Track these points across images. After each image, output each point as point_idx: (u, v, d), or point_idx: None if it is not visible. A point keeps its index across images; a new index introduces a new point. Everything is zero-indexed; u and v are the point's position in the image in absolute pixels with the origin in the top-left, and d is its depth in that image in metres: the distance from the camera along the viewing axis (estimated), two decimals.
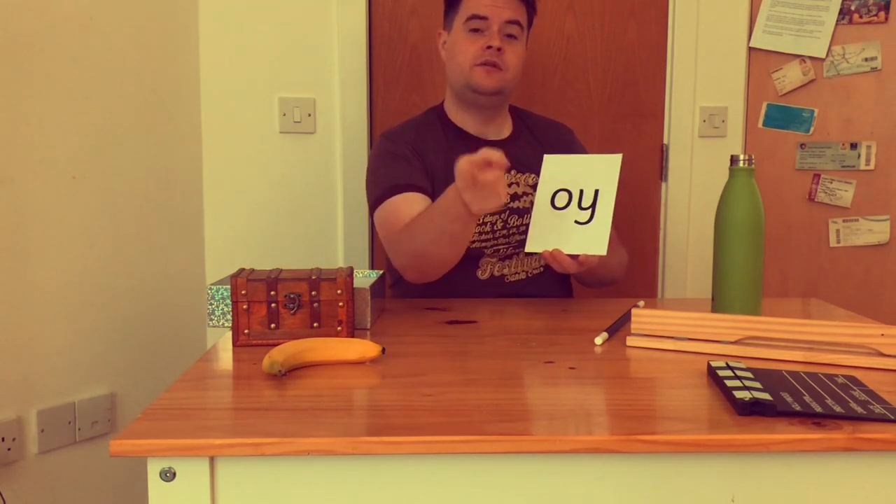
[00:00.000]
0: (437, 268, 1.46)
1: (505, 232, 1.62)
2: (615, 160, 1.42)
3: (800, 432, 0.81)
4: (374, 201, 1.58)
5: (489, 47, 1.56)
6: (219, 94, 2.07)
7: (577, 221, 1.41)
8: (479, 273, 1.62)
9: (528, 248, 1.41)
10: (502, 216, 1.62)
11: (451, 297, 1.58)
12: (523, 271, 1.64)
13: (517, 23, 1.60)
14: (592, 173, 1.43)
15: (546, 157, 1.46)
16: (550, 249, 1.39)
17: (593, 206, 1.41)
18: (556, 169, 1.45)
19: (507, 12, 1.58)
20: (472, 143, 1.63)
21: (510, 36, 1.60)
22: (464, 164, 1.24)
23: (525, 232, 1.59)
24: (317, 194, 2.12)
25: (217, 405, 0.92)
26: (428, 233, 1.41)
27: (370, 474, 0.82)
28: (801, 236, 2.21)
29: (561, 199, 1.43)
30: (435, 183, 1.60)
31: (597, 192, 1.41)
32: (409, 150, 1.62)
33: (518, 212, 1.63)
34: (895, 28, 2.14)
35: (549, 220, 1.41)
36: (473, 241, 1.58)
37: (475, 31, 1.59)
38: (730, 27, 2.14)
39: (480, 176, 1.23)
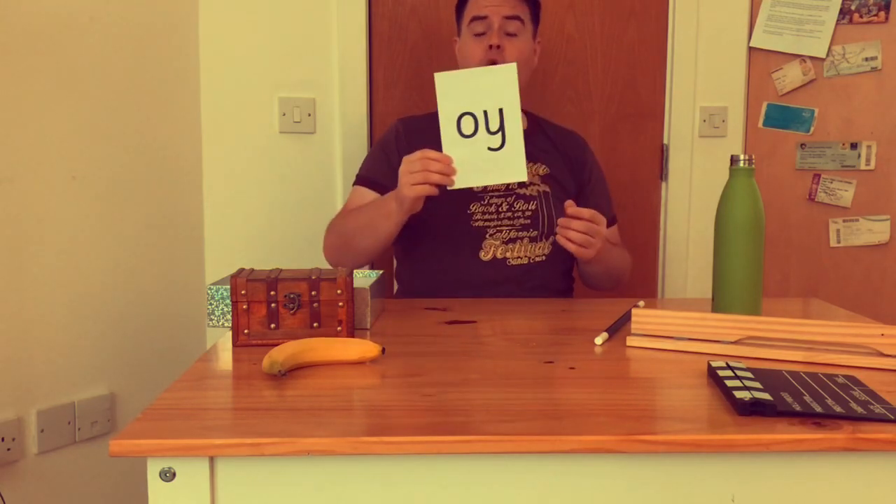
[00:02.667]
0: (354, 255, 1.59)
1: (510, 215, 1.66)
2: (510, 70, 1.40)
3: (800, 432, 0.81)
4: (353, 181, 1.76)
5: (490, 46, 1.62)
6: (219, 94, 2.07)
7: (490, 148, 1.40)
8: (481, 254, 1.64)
9: (457, 185, 1.41)
10: (508, 199, 1.66)
11: (454, 279, 1.63)
12: (526, 256, 1.65)
13: (517, 18, 1.65)
14: (491, 90, 1.40)
15: (437, 76, 1.42)
16: (476, 184, 1.45)
17: (502, 128, 1.39)
18: (452, 88, 1.41)
19: (505, 9, 1.63)
20: None
21: (511, 34, 1.64)
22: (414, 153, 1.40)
23: (530, 217, 1.63)
24: (317, 194, 2.12)
25: (217, 405, 0.92)
26: (358, 221, 1.58)
27: (370, 474, 0.82)
28: (801, 236, 2.21)
29: (467, 126, 1.41)
30: None
31: (501, 111, 1.39)
32: (405, 142, 1.70)
33: (525, 198, 1.67)
34: (895, 28, 2.14)
35: (461, 150, 1.40)
36: (476, 220, 1.65)
37: (480, 34, 1.65)
38: (730, 27, 2.14)
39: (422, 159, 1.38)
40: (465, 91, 1.40)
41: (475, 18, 1.64)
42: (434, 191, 1.41)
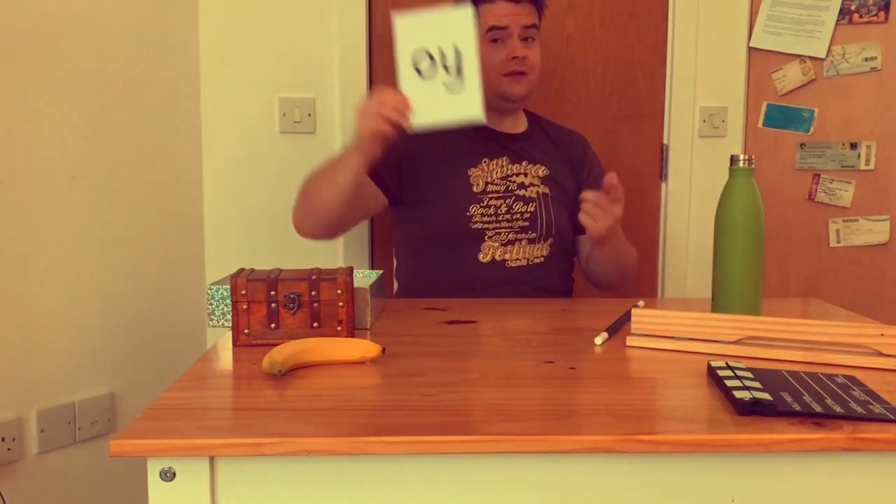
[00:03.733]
0: (316, 213, 1.55)
1: (508, 216, 1.66)
2: (466, 14, 1.41)
3: (800, 432, 0.81)
4: None
5: (514, 58, 1.64)
6: (219, 94, 2.07)
7: (446, 86, 1.40)
8: (480, 256, 1.65)
9: (415, 123, 1.40)
10: (507, 201, 1.66)
11: (453, 281, 1.63)
12: (525, 258, 1.66)
13: (533, 25, 1.68)
14: (447, 32, 1.40)
15: (395, 19, 1.43)
16: (433, 123, 1.41)
17: (458, 67, 1.40)
18: (410, 31, 1.41)
19: (524, 18, 1.66)
20: (488, 134, 1.72)
21: (528, 39, 1.67)
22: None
23: (529, 219, 1.63)
24: None
25: (217, 405, 0.92)
26: (319, 176, 1.54)
27: (370, 474, 0.82)
28: (801, 236, 2.21)
29: (424, 65, 1.41)
30: (437, 167, 1.68)
31: (457, 50, 1.40)
32: (406, 136, 1.66)
33: (524, 199, 1.68)
34: (895, 28, 2.14)
35: (418, 89, 1.40)
36: (475, 222, 1.65)
37: (495, 40, 1.66)
38: (730, 27, 2.14)
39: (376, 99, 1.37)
40: (422, 33, 1.40)
41: (494, 28, 1.64)
42: (389, 130, 1.39)
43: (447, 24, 1.40)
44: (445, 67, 1.40)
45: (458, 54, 1.40)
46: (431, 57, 1.40)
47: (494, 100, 1.68)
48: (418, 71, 1.40)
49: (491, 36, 1.65)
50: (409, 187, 1.69)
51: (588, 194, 1.44)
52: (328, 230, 1.61)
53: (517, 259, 1.65)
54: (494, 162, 1.70)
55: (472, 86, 1.40)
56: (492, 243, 1.65)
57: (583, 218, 1.44)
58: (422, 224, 1.70)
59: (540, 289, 1.66)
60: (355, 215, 1.66)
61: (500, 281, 1.64)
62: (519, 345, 1.17)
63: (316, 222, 1.58)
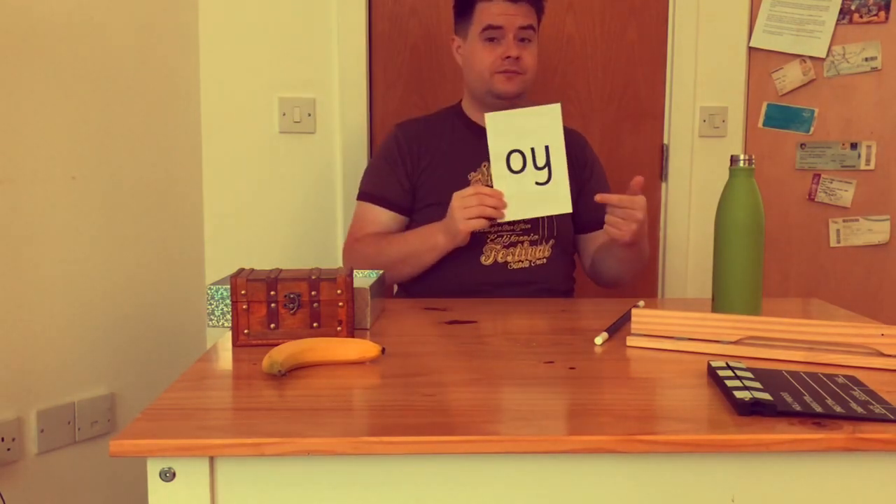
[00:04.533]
0: (390, 276, 1.62)
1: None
2: (555, 110, 1.52)
3: (800, 432, 0.81)
4: (357, 194, 1.76)
5: (507, 57, 1.64)
6: (219, 94, 2.07)
7: (537, 183, 1.52)
8: (482, 259, 1.65)
9: (507, 218, 1.52)
10: None
11: (455, 284, 1.63)
12: (527, 260, 1.66)
13: (530, 27, 1.67)
14: (537, 128, 1.52)
15: (488, 116, 1.54)
16: (525, 216, 1.55)
17: (548, 164, 1.51)
18: (501, 127, 1.52)
19: (520, 19, 1.65)
20: (484, 137, 1.69)
21: (524, 40, 1.65)
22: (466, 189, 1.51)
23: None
24: (317, 194, 2.12)
25: (217, 405, 0.92)
26: (400, 252, 1.61)
27: (370, 474, 0.82)
28: (801, 236, 2.21)
29: (516, 162, 1.52)
30: (438, 173, 1.69)
31: (547, 148, 1.51)
32: (406, 149, 1.72)
33: None
34: (895, 28, 2.14)
35: (511, 185, 1.52)
36: (493, 227, 1.67)
37: (491, 39, 1.66)
38: (730, 27, 2.14)
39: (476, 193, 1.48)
40: (513, 128, 1.52)
41: (489, 27, 1.64)
42: (487, 224, 1.51)
43: (536, 119, 1.52)
44: (535, 163, 1.51)
45: (546, 150, 1.51)
46: (522, 154, 1.52)
47: (487, 98, 1.69)
48: (510, 168, 1.52)
49: (486, 35, 1.65)
50: (415, 197, 1.70)
51: (607, 198, 1.44)
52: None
53: (519, 261, 1.65)
54: None
55: (561, 181, 1.52)
56: (494, 245, 1.65)
57: (608, 230, 1.47)
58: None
59: (542, 290, 1.66)
60: None
61: (502, 283, 1.63)
62: (519, 345, 1.17)
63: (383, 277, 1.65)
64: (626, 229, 1.45)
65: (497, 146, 1.52)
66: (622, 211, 1.44)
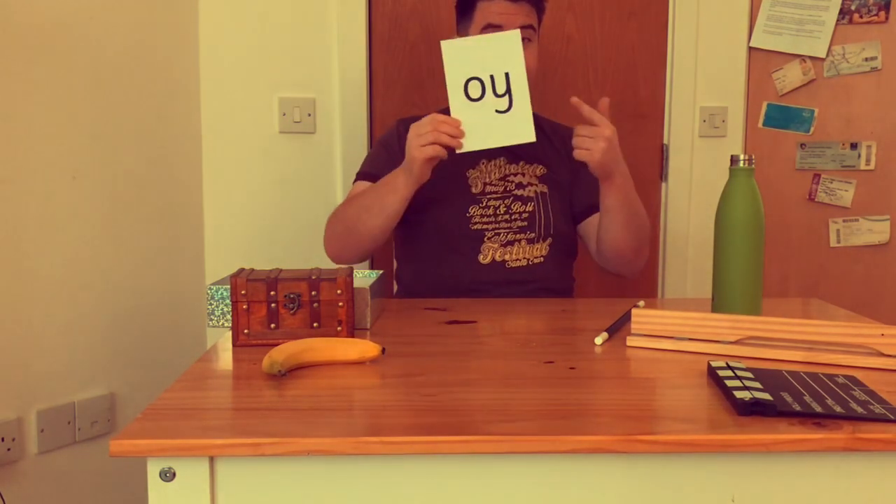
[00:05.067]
0: (359, 240, 1.56)
1: (507, 217, 1.66)
2: (514, 36, 1.44)
3: (800, 432, 0.80)
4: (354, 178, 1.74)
5: None
6: (219, 94, 2.07)
7: (497, 111, 1.43)
8: (480, 258, 1.65)
9: (466, 148, 1.43)
10: (506, 201, 1.66)
11: (453, 282, 1.62)
12: (525, 258, 1.66)
13: (530, 26, 1.66)
14: (497, 55, 1.43)
15: (443, 44, 1.45)
16: (485, 146, 1.44)
17: (508, 91, 1.43)
18: (458, 56, 1.44)
19: (521, 18, 1.64)
20: None
21: (524, 39, 1.64)
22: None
23: (528, 219, 1.63)
24: (317, 194, 2.12)
25: (217, 405, 0.92)
26: (363, 202, 1.55)
27: (370, 474, 0.82)
28: (801, 236, 2.21)
29: (474, 90, 1.43)
30: (435, 169, 1.64)
31: (507, 75, 1.42)
32: (405, 142, 1.67)
33: (522, 199, 1.68)
34: (895, 28, 2.14)
35: (469, 114, 1.43)
36: (475, 223, 1.65)
37: None
38: (730, 27, 2.14)
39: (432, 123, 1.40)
40: (470, 58, 1.43)
41: (490, 26, 1.64)
42: (443, 153, 1.42)
43: (494, 47, 1.43)
44: (495, 91, 1.43)
45: (507, 78, 1.43)
46: (481, 81, 1.43)
47: None
48: (468, 96, 1.43)
49: (486, 33, 1.65)
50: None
51: (579, 104, 1.42)
52: (367, 255, 1.64)
53: (517, 259, 1.65)
54: (492, 163, 1.70)
55: (522, 109, 1.43)
56: (491, 244, 1.65)
57: (576, 153, 1.43)
58: (421, 227, 1.70)
59: (541, 288, 1.66)
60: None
61: (500, 281, 1.64)
62: (519, 345, 1.17)
63: (358, 250, 1.59)
64: (595, 147, 1.41)
65: (454, 74, 1.43)
66: (590, 129, 1.41)
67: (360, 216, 1.56)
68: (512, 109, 1.43)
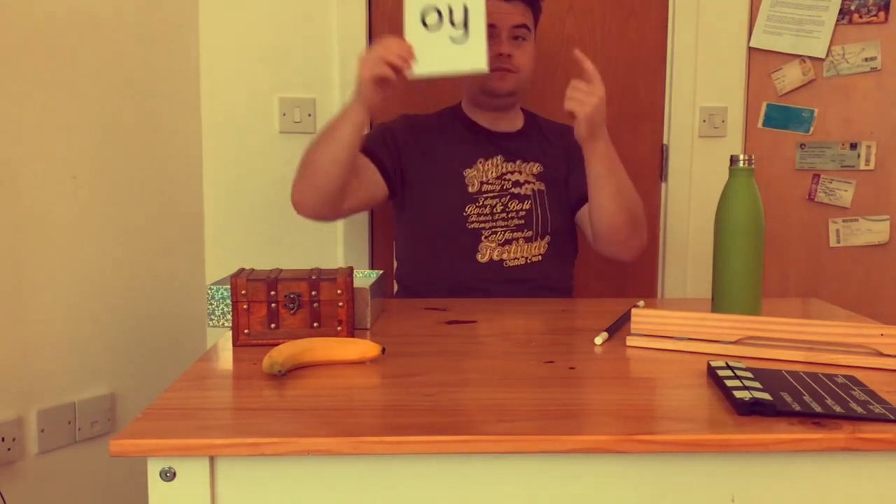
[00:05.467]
0: (316, 177, 1.49)
1: (504, 215, 1.66)
2: None
3: (800, 432, 0.81)
4: None
5: (500, 55, 1.63)
6: (219, 94, 2.07)
7: (451, 39, 1.42)
8: (478, 257, 1.65)
9: (415, 71, 1.40)
10: (502, 200, 1.66)
11: (452, 282, 1.63)
12: (522, 257, 1.66)
13: (524, 25, 1.65)
14: None
15: None
16: (434, 71, 1.41)
17: (465, 22, 1.41)
18: None
19: (514, 17, 1.64)
20: (483, 134, 1.74)
21: (518, 38, 1.64)
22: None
23: (524, 217, 1.63)
24: None
25: (217, 405, 0.92)
26: (318, 136, 1.49)
27: (370, 474, 0.82)
28: (801, 236, 2.21)
29: (431, 18, 1.42)
30: (432, 164, 1.68)
31: (465, 8, 1.41)
32: (405, 132, 1.71)
33: (519, 197, 1.68)
34: (895, 28, 2.14)
35: (422, 40, 1.41)
36: (472, 222, 1.65)
37: None
38: (730, 27, 2.14)
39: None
40: None
41: None
42: (391, 74, 1.38)
43: None
44: (452, 22, 1.41)
45: (465, 10, 1.40)
46: (439, 12, 1.41)
47: (481, 97, 1.70)
48: (424, 24, 1.41)
49: None
50: (407, 185, 1.69)
51: (581, 57, 1.43)
52: (328, 202, 1.53)
53: (515, 258, 1.65)
54: (489, 161, 1.70)
55: (477, 38, 1.41)
56: (489, 243, 1.65)
57: (568, 104, 1.42)
58: (419, 226, 1.70)
59: (539, 287, 1.66)
60: (356, 194, 1.59)
61: (499, 280, 1.64)
62: (519, 345, 1.17)
63: (316, 193, 1.51)
64: (587, 101, 1.41)
65: (412, 2, 1.41)
66: (586, 85, 1.42)
67: (314, 151, 1.50)
68: (467, 39, 1.41)
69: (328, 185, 1.49)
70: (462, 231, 1.64)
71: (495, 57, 1.62)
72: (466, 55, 1.41)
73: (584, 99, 1.41)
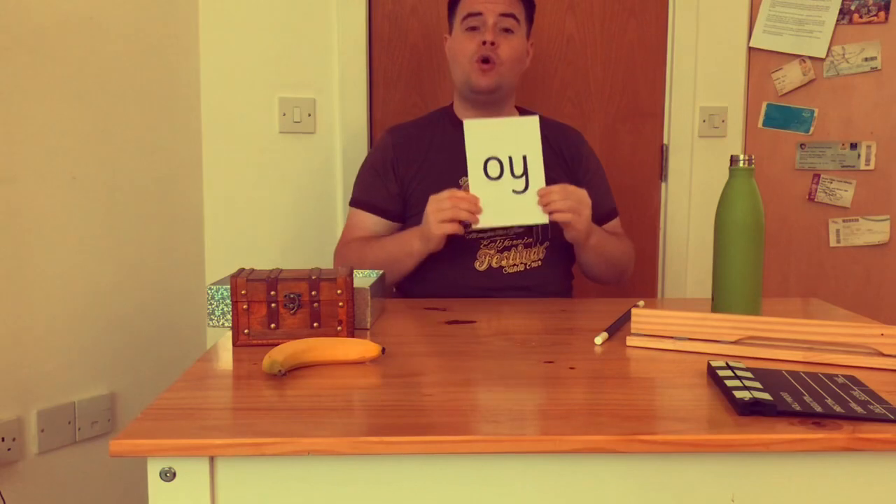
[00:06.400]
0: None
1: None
2: (532, 122, 1.52)
3: (800, 432, 0.81)
4: (350, 200, 1.78)
5: (484, 42, 1.62)
6: (219, 94, 2.07)
7: (514, 191, 1.50)
8: (477, 265, 1.64)
9: (482, 224, 1.49)
10: None
11: (451, 289, 1.62)
12: (522, 263, 1.65)
13: (511, 15, 1.65)
14: (515, 138, 1.51)
15: (466, 123, 1.52)
16: (500, 224, 1.53)
17: (525, 173, 1.50)
18: (479, 135, 1.51)
19: (501, 6, 1.63)
20: None
21: (506, 30, 1.63)
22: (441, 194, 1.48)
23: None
24: (317, 194, 2.12)
25: (217, 405, 0.92)
26: (378, 256, 1.60)
27: (370, 474, 0.82)
28: (801, 236, 2.21)
29: (493, 170, 1.50)
30: (429, 178, 1.67)
31: (525, 158, 1.50)
32: (395, 155, 1.72)
33: None
34: (895, 28, 2.14)
35: (487, 191, 1.49)
36: (470, 233, 1.64)
37: (472, 28, 1.64)
38: (730, 27, 2.14)
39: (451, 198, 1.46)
40: (491, 138, 1.51)
41: (469, 15, 1.63)
42: (460, 229, 1.49)
43: (514, 130, 1.51)
44: (513, 172, 1.50)
45: (525, 161, 1.50)
46: (500, 162, 1.50)
47: (466, 92, 1.69)
48: (487, 174, 1.50)
49: (467, 23, 1.64)
50: (408, 204, 1.70)
51: (539, 196, 1.49)
52: None
53: (514, 265, 1.64)
54: None
55: (537, 192, 1.50)
56: (487, 251, 1.64)
57: (559, 217, 1.48)
58: None
59: (539, 292, 1.65)
60: None
61: (498, 287, 1.62)
62: (519, 345, 1.17)
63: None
64: (582, 211, 1.49)
65: (474, 153, 1.51)
66: (570, 193, 1.48)
67: (370, 263, 1.60)
68: (528, 191, 1.50)
69: (387, 283, 1.62)
70: (459, 240, 1.62)
71: (480, 46, 1.62)
72: (528, 208, 1.49)
73: (577, 209, 1.48)
